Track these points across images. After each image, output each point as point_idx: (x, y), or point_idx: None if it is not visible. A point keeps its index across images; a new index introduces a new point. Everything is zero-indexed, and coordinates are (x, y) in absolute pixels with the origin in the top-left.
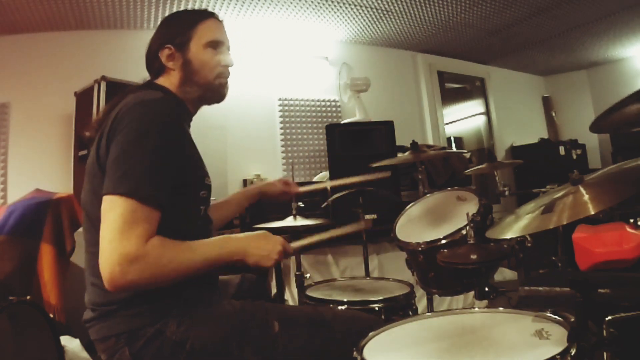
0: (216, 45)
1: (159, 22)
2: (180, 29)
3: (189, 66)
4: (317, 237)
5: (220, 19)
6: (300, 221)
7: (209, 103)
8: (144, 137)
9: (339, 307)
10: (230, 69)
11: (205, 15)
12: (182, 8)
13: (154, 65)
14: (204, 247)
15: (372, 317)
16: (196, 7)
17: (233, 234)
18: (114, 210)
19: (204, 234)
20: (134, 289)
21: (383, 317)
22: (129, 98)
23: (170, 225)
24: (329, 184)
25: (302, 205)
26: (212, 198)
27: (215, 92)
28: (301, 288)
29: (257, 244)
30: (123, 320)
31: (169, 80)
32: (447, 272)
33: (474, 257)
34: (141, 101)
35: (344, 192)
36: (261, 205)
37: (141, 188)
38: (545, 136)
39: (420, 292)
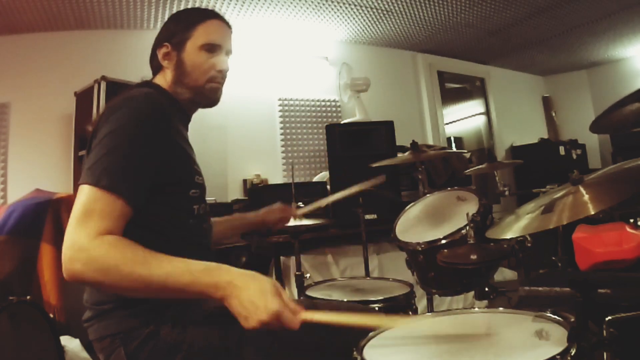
0: (212, 48)
1: (159, 22)
2: (180, 27)
3: (181, 67)
4: (325, 200)
5: (226, 21)
6: (300, 221)
7: (201, 106)
8: (117, 132)
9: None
10: (227, 73)
11: (208, 15)
12: (182, 8)
13: (153, 62)
14: (170, 266)
15: (370, 312)
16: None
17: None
18: (79, 198)
19: (197, 234)
20: (84, 283)
21: None
22: (118, 96)
23: (156, 224)
24: (329, 200)
25: (302, 205)
26: (212, 198)
27: (205, 97)
28: (301, 288)
29: (245, 296)
30: (118, 321)
31: (164, 79)
32: (447, 272)
33: (474, 257)
34: (123, 99)
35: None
36: (262, 204)
37: (104, 178)
38: (545, 136)
39: (420, 292)
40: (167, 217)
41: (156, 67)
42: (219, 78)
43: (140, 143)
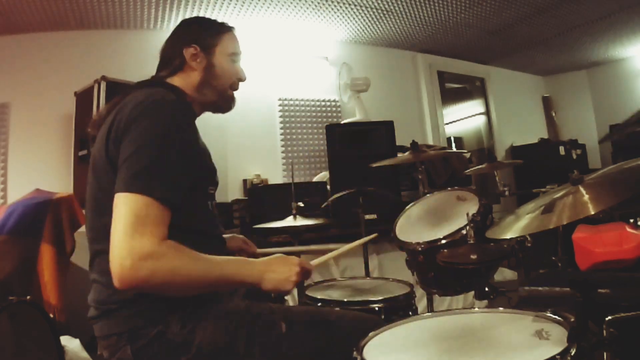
0: (236, 58)
1: (159, 22)
2: (206, 32)
3: (212, 70)
4: (335, 252)
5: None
6: (300, 221)
7: (217, 111)
8: (160, 137)
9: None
10: (240, 84)
11: (230, 27)
12: (183, 8)
13: (174, 62)
14: (222, 263)
15: (374, 318)
16: (199, 8)
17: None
18: (126, 206)
19: (212, 228)
20: (143, 289)
21: (383, 317)
22: (138, 94)
23: (183, 221)
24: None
25: (302, 205)
26: None
27: (226, 102)
28: (301, 288)
29: (273, 268)
30: (125, 319)
31: (187, 80)
32: (447, 272)
33: (474, 257)
34: (156, 100)
35: (344, 192)
36: (262, 204)
37: (156, 187)
38: (545, 136)
39: (420, 292)
40: (191, 213)
41: (177, 67)
42: (237, 85)
43: (182, 150)
